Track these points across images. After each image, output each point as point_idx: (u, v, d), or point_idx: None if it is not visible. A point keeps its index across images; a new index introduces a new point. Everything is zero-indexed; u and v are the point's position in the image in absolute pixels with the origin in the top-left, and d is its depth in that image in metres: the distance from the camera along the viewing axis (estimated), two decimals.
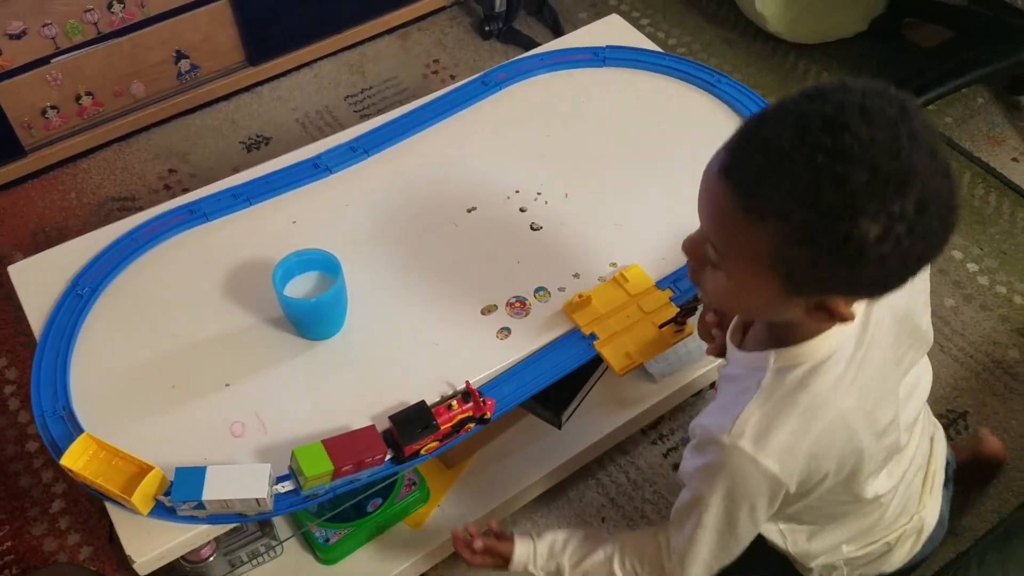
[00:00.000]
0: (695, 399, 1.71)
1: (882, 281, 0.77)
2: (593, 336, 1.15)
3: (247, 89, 2.31)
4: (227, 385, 1.11)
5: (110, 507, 1.00)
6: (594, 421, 1.49)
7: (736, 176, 0.76)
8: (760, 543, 1.15)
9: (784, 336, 0.89)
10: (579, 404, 1.37)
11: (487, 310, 1.18)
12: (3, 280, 1.91)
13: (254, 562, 1.32)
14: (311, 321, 1.11)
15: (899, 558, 1.13)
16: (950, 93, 2.22)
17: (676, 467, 1.60)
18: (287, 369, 1.12)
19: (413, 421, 1.04)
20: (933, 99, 2.17)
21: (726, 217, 0.78)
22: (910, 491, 1.10)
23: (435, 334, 1.16)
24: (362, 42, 2.43)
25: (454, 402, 1.06)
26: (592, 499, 1.57)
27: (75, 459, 0.99)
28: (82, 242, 1.25)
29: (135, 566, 0.97)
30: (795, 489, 0.90)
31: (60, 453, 1.01)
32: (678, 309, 1.17)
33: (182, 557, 1.16)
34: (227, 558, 1.26)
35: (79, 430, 1.04)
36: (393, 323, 1.17)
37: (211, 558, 1.17)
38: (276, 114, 2.25)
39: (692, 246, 0.87)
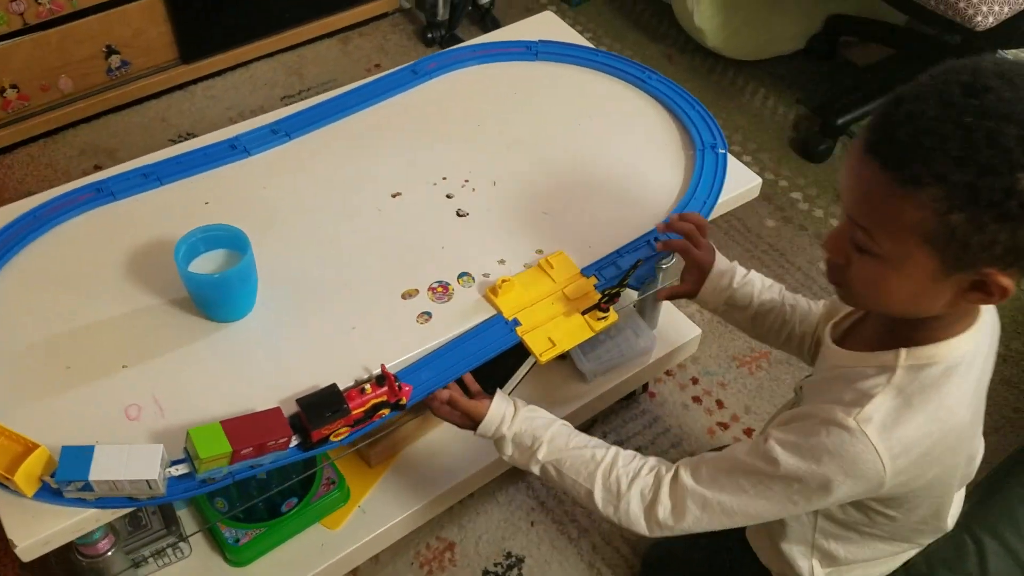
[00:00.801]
0: (627, 402, 1.68)
1: None
2: (516, 322, 1.12)
3: (180, 87, 2.26)
4: (124, 367, 1.04)
5: None
6: None
7: (884, 151, 0.77)
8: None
9: (913, 335, 0.89)
10: (516, 386, 1.33)
11: (408, 294, 1.14)
12: None
13: (158, 562, 1.25)
14: (216, 300, 1.06)
15: None
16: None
17: None
18: (190, 351, 1.07)
19: (322, 404, 0.98)
20: (862, 115, 2.19)
21: (878, 195, 0.79)
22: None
23: (352, 318, 1.11)
24: (301, 44, 2.39)
25: (367, 386, 1.01)
26: (522, 502, 1.53)
27: None
28: None
29: (17, 551, 0.90)
30: (884, 491, 0.91)
31: None
32: (600, 295, 1.14)
33: (78, 551, 1.09)
34: (129, 556, 1.19)
35: None
36: (308, 307, 1.12)
37: (109, 553, 1.10)
38: (209, 113, 2.20)
39: (835, 240, 0.87)
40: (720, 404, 1.68)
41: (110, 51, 2.10)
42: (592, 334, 1.13)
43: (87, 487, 0.90)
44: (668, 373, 1.73)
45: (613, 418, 1.66)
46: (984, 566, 1.00)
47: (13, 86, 2.01)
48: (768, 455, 0.93)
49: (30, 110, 2.08)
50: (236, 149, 1.29)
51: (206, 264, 1.07)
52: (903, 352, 0.89)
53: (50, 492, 0.92)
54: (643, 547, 1.46)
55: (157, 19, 2.13)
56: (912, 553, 1.07)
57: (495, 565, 1.45)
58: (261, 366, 1.06)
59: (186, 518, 1.30)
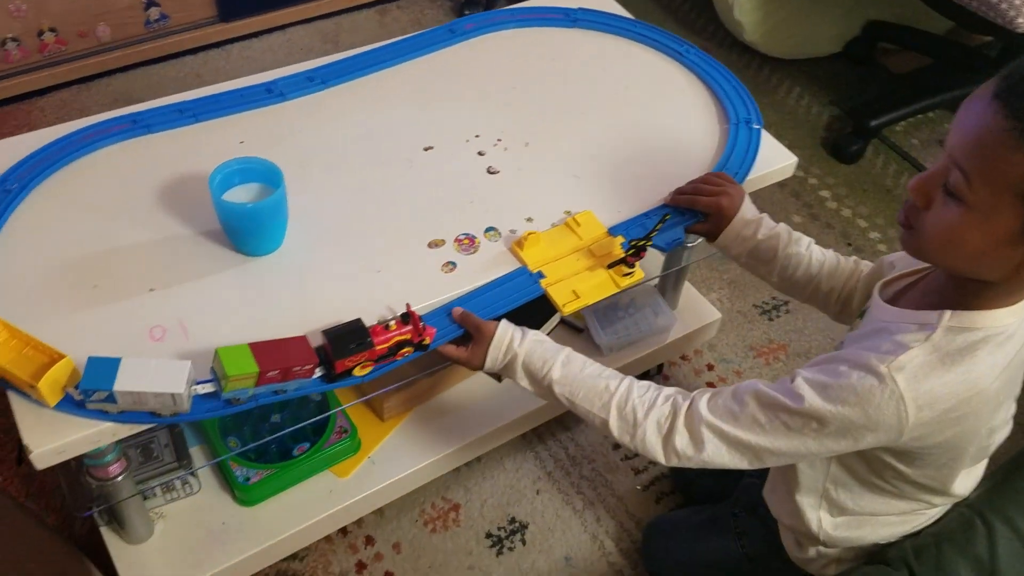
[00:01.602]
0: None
1: None
2: (540, 275, 1.12)
3: (216, 45, 2.27)
4: (151, 290, 1.05)
5: (13, 399, 0.94)
6: None
7: (1014, 100, 0.79)
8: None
9: (965, 299, 0.91)
10: None
11: (434, 244, 1.14)
12: None
13: (167, 496, 1.25)
14: (247, 231, 1.07)
15: None
16: (913, 114, 2.24)
17: (616, 447, 1.57)
18: (217, 281, 1.07)
19: (347, 337, 0.99)
20: (896, 119, 2.19)
21: (992, 141, 0.80)
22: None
23: (378, 261, 1.12)
24: (339, 12, 2.40)
25: (392, 323, 1.02)
26: (529, 470, 1.53)
27: None
28: (14, 142, 1.20)
29: (31, 457, 0.90)
30: (900, 443, 0.92)
31: None
32: (626, 250, 1.14)
33: (88, 473, 1.10)
34: (139, 486, 1.19)
35: None
36: (335, 247, 1.13)
37: (119, 478, 1.10)
38: (243, 73, 2.16)
39: (924, 181, 0.88)
40: None
41: (150, 3, 2.12)
42: (617, 290, 1.13)
43: (110, 398, 0.90)
44: (684, 358, 1.72)
45: None
46: (993, 551, 1.00)
47: (52, 29, 2.03)
48: (794, 391, 0.94)
49: (66, 55, 2.09)
50: (272, 93, 1.30)
51: (239, 195, 1.08)
52: (947, 313, 0.90)
53: (72, 403, 0.93)
54: (646, 522, 1.45)
55: None
56: (919, 520, 1.08)
57: (498, 529, 1.45)
58: (286, 300, 1.07)
59: (197, 456, 1.30)
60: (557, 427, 1.58)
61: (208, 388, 0.95)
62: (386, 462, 1.35)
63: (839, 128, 2.21)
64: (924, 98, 2.20)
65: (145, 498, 1.23)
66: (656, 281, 1.55)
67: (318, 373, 0.99)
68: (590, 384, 1.04)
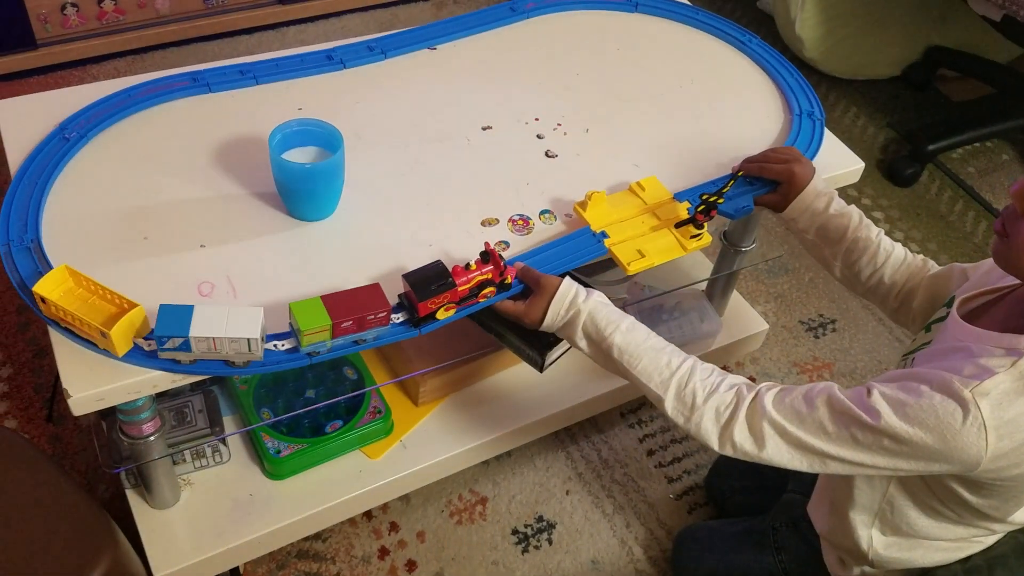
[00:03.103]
0: None
1: None
2: (604, 235, 1.09)
3: (272, 27, 2.27)
4: (202, 246, 1.04)
5: (57, 346, 0.92)
6: (575, 385, 1.42)
7: None
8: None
9: None
10: (564, 352, 1.30)
11: (488, 222, 1.12)
12: None
13: (196, 462, 1.23)
14: (303, 192, 1.05)
15: None
16: (971, 142, 2.20)
17: (650, 453, 1.53)
18: (268, 242, 1.05)
19: (428, 278, 0.97)
20: (953, 145, 2.15)
21: None
22: None
23: (430, 235, 1.10)
24: (396, 3, 2.40)
25: (472, 263, 0.99)
26: (559, 470, 1.49)
27: (50, 289, 0.90)
28: (76, 92, 1.20)
29: (70, 401, 0.89)
30: (975, 473, 0.89)
31: (24, 288, 0.94)
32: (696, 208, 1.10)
33: (122, 429, 1.08)
34: (170, 448, 1.17)
35: (47, 266, 0.97)
36: (387, 217, 1.11)
37: (152, 437, 1.08)
38: None
39: None
40: None
41: None
42: (684, 253, 1.09)
43: (184, 345, 0.88)
44: (725, 368, 1.68)
45: None
46: None
47: None
48: (870, 406, 0.89)
49: (124, 24, 2.10)
50: (332, 60, 1.29)
51: (296, 157, 1.06)
52: None
53: (142, 353, 0.91)
54: (679, 529, 1.41)
55: None
56: (973, 548, 1.03)
57: (525, 526, 1.42)
58: (336, 266, 1.05)
59: (230, 426, 1.28)
60: (591, 428, 1.55)
61: (288, 344, 0.94)
62: (417, 447, 1.32)
63: (895, 151, 2.17)
64: (983, 126, 2.16)
65: (175, 463, 1.21)
66: (704, 285, 1.52)
67: (399, 319, 0.98)
68: (652, 356, 0.99)
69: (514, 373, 1.42)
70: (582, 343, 1.03)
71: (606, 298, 1.03)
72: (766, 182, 1.17)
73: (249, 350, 0.90)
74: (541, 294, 1.02)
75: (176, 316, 0.88)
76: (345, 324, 0.92)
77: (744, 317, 1.57)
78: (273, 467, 1.24)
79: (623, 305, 1.48)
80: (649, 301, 1.50)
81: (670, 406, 0.98)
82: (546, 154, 1.22)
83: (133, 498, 1.20)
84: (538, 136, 1.25)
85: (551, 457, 1.51)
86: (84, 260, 0.99)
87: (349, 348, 0.96)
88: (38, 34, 2.01)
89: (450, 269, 0.98)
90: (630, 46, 1.42)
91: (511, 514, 1.43)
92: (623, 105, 1.32)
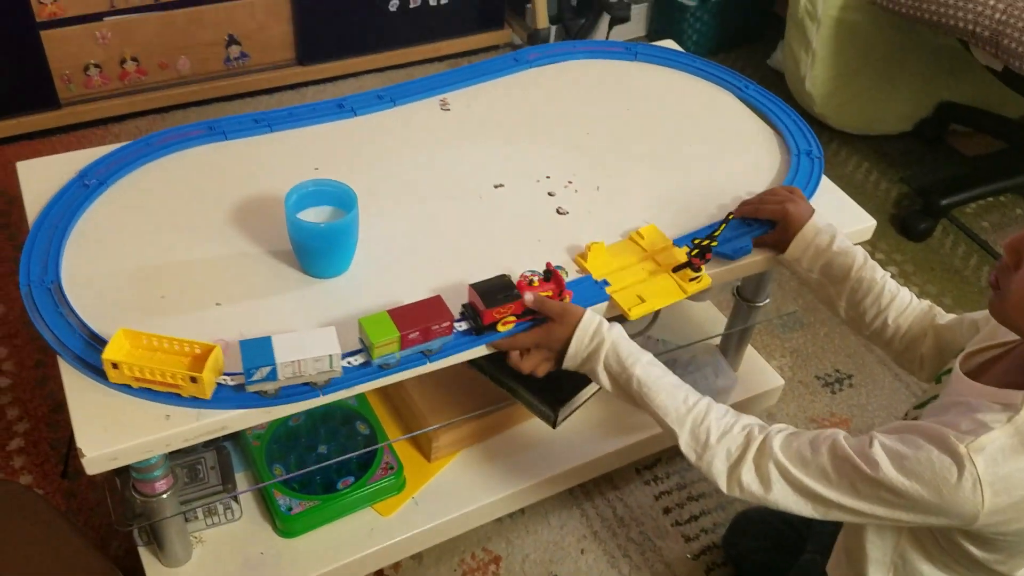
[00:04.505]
0: None
1: None
2: (605, 283, 1.12)
3: (291, 87, 2.32)
4: (218, 304, 1.05)
5: (72, 402, 0.93)
6: (589, 441, 1.41)
7: None
8: None
9: None
10: (577, 408, 1.30)
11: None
12: (8, 221, 1.88)
13: (208, 520, 1.23)
14: (318, 251, 1.06)
15: None
16: (984, 196, 2.20)
17: (666, 511, 1.51)
18: (283, 300, 1.07)
19: (495, 289, 1.02)
20: (967, 200, 2.15)
21: None
22: None
23: (442, 291, 1.09)
24: (412, 63, 2.44)
25: (535, 280, 1.05)
26: (574, 528, 1.48)
27: (118, 353, 0.92)
28: (93, 152, 1.24)
29: (84, 461, 0.89)
30: (975, 527, 0.88)
31: (48, 329, 0.98)
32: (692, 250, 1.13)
33: (135, 487, 1.08)
34: (182, 506, 1.17)
35: (67, 306, 1.00)
36: (400, 275, 1.12)
37: (165, 495, 1.08)
38: None
39: (1018, 239, 0.86)
40: None
41: (231, 40, 2.18)
42: (683, 296, 1.11)
43: (272, 374, 0.91)
44: None
45: (679, 459, 1.60)
46: None
47: (134, 58, 2.09)
48: (870, 456, 0.90)
49: (146, 85, 2.15)
50: (343, 108, 1.34)
51: (311, 217, 1.08)
52: None
53: (228, 392, 0.94)
54: None
55: (281, 17, 2.20)
56: None
57: None
58: (348, 323, 1.05)
59: (241, 482, 1.28)
60: (606, 485, 1.53)
61: (359, 359, 0.99)
62: (430, 504, 1.31)
63: (908, 205, 2.17)
64: (996, 181, 2.16)
65: (187, 520, 1.20)
66: (718, 340, 1.51)
67: (461, 328, 1.03)
68: (670, 391, 1.01)
69: (527, 428, 1.41)
70: (602, 376, 1.04)
71: (636, 345, 1.06)
72: (763, 223, 1.20)
73: (331, 367, 0.94)
74: (564, 322, 1.04)
75: (257, 348, 0.93)
76: (412, 335, 0.97)
77: (759, 372, 1.56)
78: (284, 525, 1.23)
79: None
80: (663, 356, 1.49)
81: (684, 442, 0.99)
82: (557, 211, 1.24)
83: (146, 556, 1.20)
84: (549, 194, 1.26)
85: (566, 514, 1.49)
86: (106, 316, 1.01)
87: (417, 360, 1.01)
88: (61, 94, 2.06)
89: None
90: (632, 96, 1.45)
91: (525, 573, 1.41)
92: (630, 159, 1.34)
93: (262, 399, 0.94)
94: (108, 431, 0.91)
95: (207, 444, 1.27)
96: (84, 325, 0.99)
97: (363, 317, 0.97)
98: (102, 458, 0.90)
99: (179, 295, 1.05)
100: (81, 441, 0.90)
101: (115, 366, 0.91)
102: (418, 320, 0.98)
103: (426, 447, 1.35)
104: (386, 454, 1.30)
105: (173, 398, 0.93)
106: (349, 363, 0.98)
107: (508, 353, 1.07)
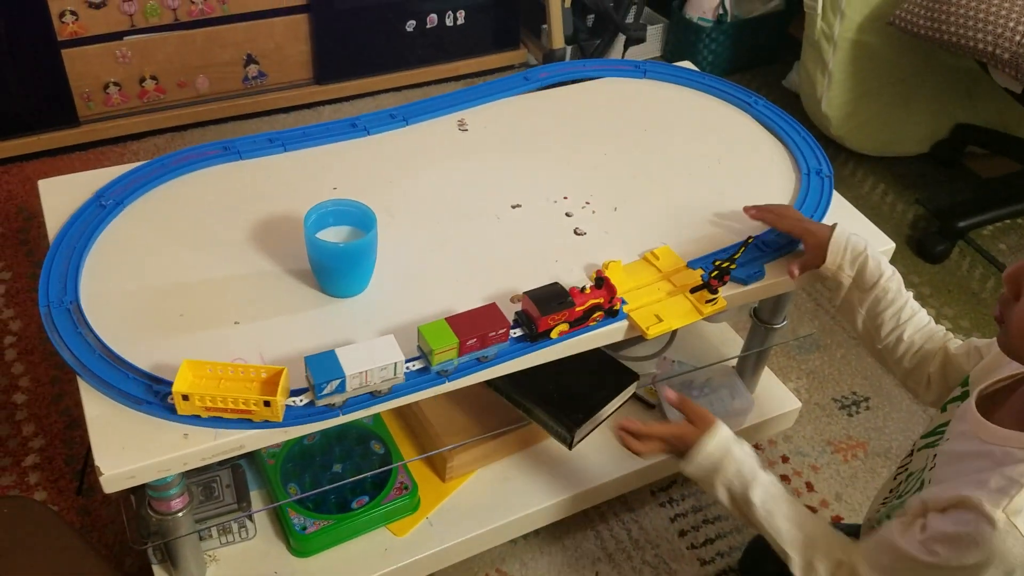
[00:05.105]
0: None
1: None
2: (622, 302, 1.12)
3: (308, 106, 2.33)
4: (236, 323, 1.05)
5: (91, 420, 0.93)
6: (604, 462, 1.41)
7: None
8: None
9: None
10: (593, 429, 1.29)
11: (517, 299, 1.13)
12: (27, 237, 1.90)
13: (223, 538, 1.22)
14: (337, 270, 1.06)
15: None
16: (1002, 219, 2.19)
17: (682, 534, 1.50)
18: (301, 318, 1.07)
19: (549, 297, 1.04)
20: (984, 222, 2.14)
21: None
22: None
23: (460, 310, 1.09)
24: (428, 83, 2.46)
25: (587, 287, 1.07)
26: (588, 550, 1.47)
27: (185, 383, 0.93)
28: (111, 171, 1.25)
29: (101, 479, 0.89)
30: None
31: (68, 350, 0.98)
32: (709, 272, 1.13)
33: (151, 505, 1.08)
34: (197, 524, 1.17)
35: (86, 326, 1.00)
36: (419, 295, 1.12)
37: (180, 513, 1.08)
38: None
39: (1017, 271, 0.85)
40: (810, 487, 1.60)
41: (250, 60, 2.20)
42: (700, 317, 1.12)
43: (341, 386, 0.94)
44: (758, 447, 1.66)
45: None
46: None
47: (153, 77, 2.11)
48: (929, 546, 0.89)
49: (164, 103, 2.17)
50: (356, 127, 1.35)
51: (330, 236, 1.08)
52: None
53: (297, 411, 0.96)
54: None
55: (300, 37, 2.22)
56: None
57: None
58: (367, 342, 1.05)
59: (256, 501, 1.28)
60: (620, 507, 1.52)
61: (419, 364, 1.02)
62: (444, 524, 1.30)
63: (924, 227, 2.17)
64: (1014, 203, 2.15)
65: (201, 539, 1.20)
66: (735, 361, 1.51)
67: (516, 334, 1.05)
68: (786, 512, 1.05)
69: (543, 449, 1.41)
70: (720, 490, 1.09)
71: (758, 464, 1.09)
72: (778, 248, 1.20)
73: (395, 374, 0.97)
74: (700, 424, 1.10)
75: (324, 362, 0.94)
76: (470, 342, 0.99)
77: (776, 394, 1.55)
78: (299, 544, 1.23)
79: (652, 380, 1.47)
80: (679, 377, 1.49)
81: (795, 566, 1.03)
82: (575, 232, 1.23)
83: (160, 574, 1.19)
84: (567, 214, 1.26)
85: (580, 536, 1.48)
86: (125, 338, 1.01)
87: (474, 367, 1.03)
88: (81, 112, 2.08)
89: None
90: (643, 114, 1.46)
91: None
92: (646, 179, 1.34)
93: (331, 411, 0.96)
94: (126, 450, 0.91)
95: (222, 462, 1.27)
96: (103, 344, 0.99)
97: (423, 325, 1.00)
98: (120, 476, 0.90)
99: (197, 314, 1.05)
100: (99, 460, 0.90)
101: (185, 398, 0.92)
102: (476, 327, 1.00)
103: (441, 467, 1.34)
104: (401, 474, 1.30)
105: (192, 419, 0.94)
106: (408, 368, 1.01)
107: (623, 432, 1.15)
